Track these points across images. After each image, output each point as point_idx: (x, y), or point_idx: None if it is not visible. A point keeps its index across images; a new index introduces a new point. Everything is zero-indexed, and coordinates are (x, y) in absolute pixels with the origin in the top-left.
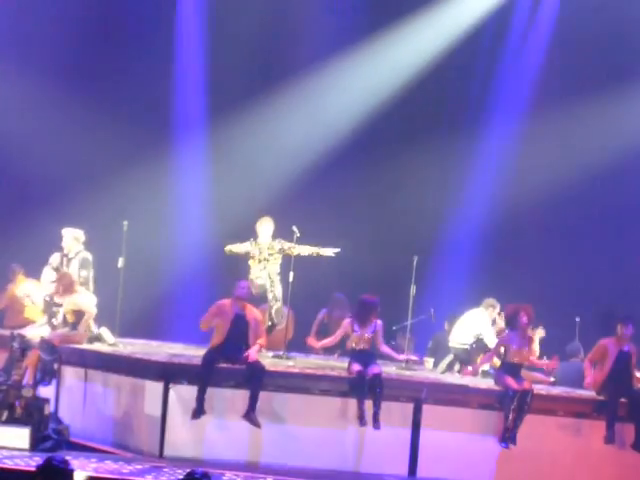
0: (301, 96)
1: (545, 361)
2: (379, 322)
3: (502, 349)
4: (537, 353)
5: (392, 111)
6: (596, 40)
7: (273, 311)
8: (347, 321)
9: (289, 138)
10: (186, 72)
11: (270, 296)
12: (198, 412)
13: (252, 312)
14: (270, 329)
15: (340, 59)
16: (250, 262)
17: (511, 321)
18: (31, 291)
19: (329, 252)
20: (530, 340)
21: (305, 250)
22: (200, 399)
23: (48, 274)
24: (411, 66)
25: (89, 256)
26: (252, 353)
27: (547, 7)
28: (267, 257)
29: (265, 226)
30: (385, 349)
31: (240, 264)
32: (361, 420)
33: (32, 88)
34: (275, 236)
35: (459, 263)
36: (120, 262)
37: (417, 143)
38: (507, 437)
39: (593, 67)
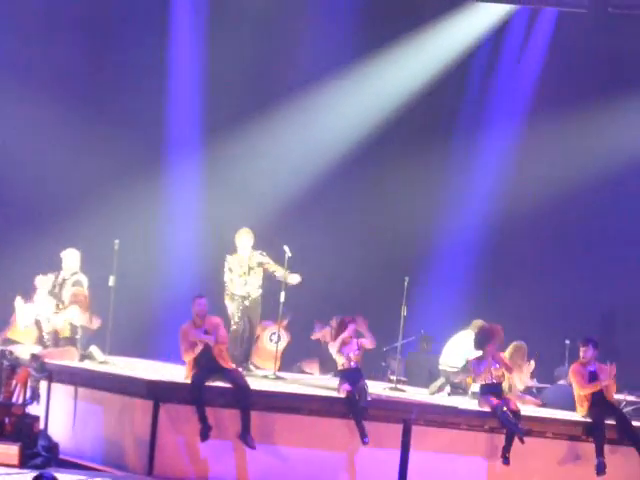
0: (295, 116)
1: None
2: (359, 341)
3: (471, 377)
4: (528, 383)
5: (384, 129)
6: (592, 53)
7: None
8: (332, 345)
9: (282, 158)
10: (180, 90)
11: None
12: (205, 432)
13: (210, 321)
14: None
15: (335, 78)
16: (228, 278)
17: (479, 341)
18: (22, 310)
19: (294, 280)
20: (501, 361)
21: (278, 271)
22: (202, 418)
23: (40, 293)
24: (406, 85)
25: (83, 278)
26: (223, 360)
27: (543, 22)
28: (246, 271)
29: (244, 238)
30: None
31: None
32: (363, 438)
33: (26, 108)
34: (255, 249)
35: (451, 284)
36: (111, 280)
37: (408, 163)
38: (509, 457)
39: (588, 85)
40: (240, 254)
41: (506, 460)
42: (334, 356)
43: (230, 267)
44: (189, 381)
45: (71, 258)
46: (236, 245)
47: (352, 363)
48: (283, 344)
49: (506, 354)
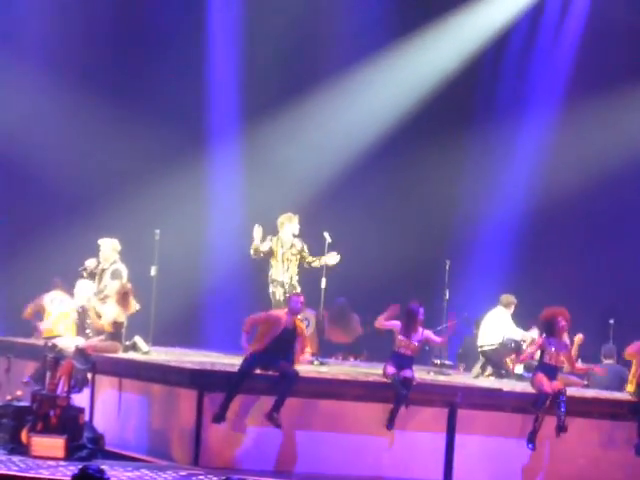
0: (332, 100)
1: (586, 366)
2: (425, 332)
3: (539, 352)
4: (576, 357)
5: (423, 112)
6: (628, 36)
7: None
8: (397, 323)
9: (321, 142)
10: (218, 78)
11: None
12: (219, 417)
13: (300, 326)
14: None
15: (370, 62)
16: (272, 261)
17: (548, 325)
18: (63, 301)
19: (332, 260)
20: (567, 346)
21: (315, 263)
22: (225, 405)
23: (82, 284)
24: (441, 67)
25: (123, 268)
26: (300, 359)
27: (578, 6)
28: (289, 257)
29: (289, 223)
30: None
31: None
32: (389, 423)
33: (66, 99)
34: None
35: (492, 266)
36: (153, 270)
37: (447, 146)
38: (533, 438)
39: (625, 63)
40: (282, 238)
41: (533, 446)
42: (396, 335)
43: (272, 249)
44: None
45: (107, 247)
46: (279, 228)
47: (408, 350)
48: (311, 329)
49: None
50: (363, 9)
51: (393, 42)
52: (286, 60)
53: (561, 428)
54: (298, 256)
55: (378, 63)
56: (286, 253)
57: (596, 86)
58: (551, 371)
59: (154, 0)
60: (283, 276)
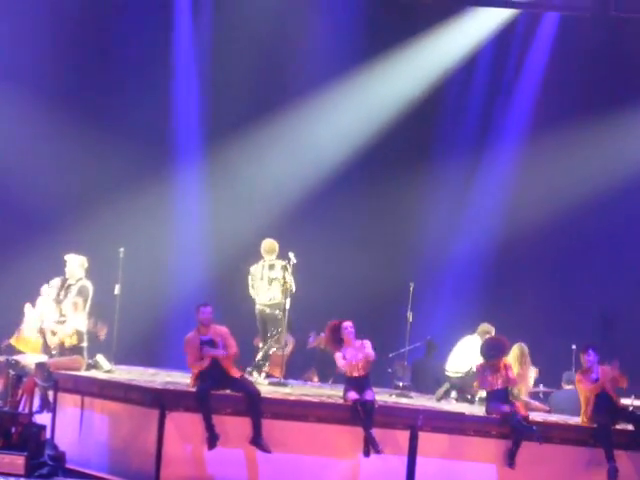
0: (298, 121)
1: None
2: (366, 341)
3: (476, 383)
4: (529, 389)
5: (388, 138)
6: (593, 65)
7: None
8: (337, 355)
9: (286, 164)
10: (184, 97)
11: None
12: (212, 440)
13: (216, 330)
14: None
15: (337, 86)
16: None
17: (489, 356)
18: (27, 319)
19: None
20: (505, 366)
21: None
22: (209, 427)
23: (44, 301)
24: (409, 90)
25: (89, 285)
26: (232, 370)
27: (544, 32)
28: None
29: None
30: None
31: (236, 291)
32: (366, 450)
33: (29, 118)
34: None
35: (456, 289)
36: (117, 289)
37: (414, 169)
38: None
39: (592, 89)
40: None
41: (512, 464)
42: (338, 363)
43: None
44: (194, 390)
45: (74, 263)
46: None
47: (357, 370)
48: (289, 349)
49: (511, 356)
50: (331, 31)
51: (360, 64)
52: (252, 80)
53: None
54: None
55: (345, 85)
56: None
57: (563, 113)
58: (500, 395)
59: (120, 20)
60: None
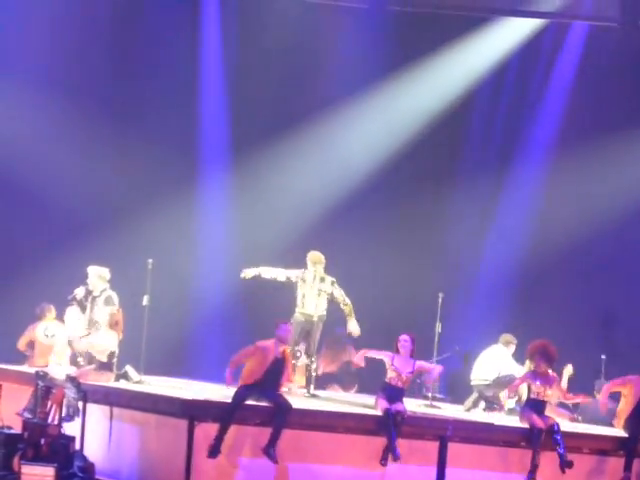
0: (324, 133)
1: (577, 396)
2: (418, 363)
3: (525, 386)
4: (565, 389)
5: (416, 149)
6: (622, 76)
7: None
8: (389, 354)
9: (313, 174)
10: (210, 109)
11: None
12: (215, 450)
13: (288, 355)
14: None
15: (363, 97)
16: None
17: (534, 358)
18: (55, 331)
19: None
20: (554, 379)
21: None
22: (220, 437)
23: (72, 312)
24: (435, 104)
25: (114, 295)
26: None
27: (572, 43)
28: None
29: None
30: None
31: (264, 303)
32: (384, 459)
33: (58, 125)
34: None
35: (484, 301)
36: (145, 300)
37: (442, 181)
38: (534, 474)
39: (621, 100)
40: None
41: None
42: (387, 365)
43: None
44: (229, 398)
45: (94, 275)
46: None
47: (399, 382)
48: (303, 361)
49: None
50: (357, 43)
51: (387, 75)
52: (279, 91)
53: (566, 464)
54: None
55: (372, 96)
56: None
57: (590, 130)
58: (537, 406)
59: (148, 29)
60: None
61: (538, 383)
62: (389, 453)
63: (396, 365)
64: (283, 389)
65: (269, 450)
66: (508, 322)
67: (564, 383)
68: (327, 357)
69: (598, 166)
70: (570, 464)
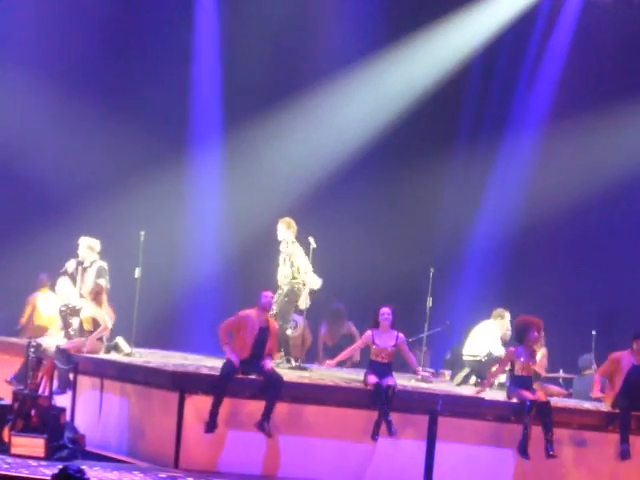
0: (317, 106)
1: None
2: (401, 335)
3: (509, 363)
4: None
5: (408, 123)
6: (615, 53)
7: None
8: (368, 333)
9: (305, 148)
10: (202, 82)
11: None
12: (211, 426)
13: (273, 324)
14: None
15: (356, 71)
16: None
17: (520, 335)
18: (49, 301)
19: (314, 284)
20: (534, 353)
21: (302, 266)
22: (214, 412)
23: (64, 284)
24: (428, 77)
25: (105, 265)
26: (267, 363)
27: (567, 16)
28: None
29: (278, 226)
30: (412, 360)
31: (255, 274)
32: (375, 434)
33: (49, 99)
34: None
35: (475, 275)
36: (137, 272)
37: (434, 155)
38: (526, 449)
39: (612, 79)
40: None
41: (526, 454)
42: (365, 342)
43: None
44: (218, 372)
45: (83, 245)
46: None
47: (384, 358)
48: (299, 330)
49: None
50: (349, 18)
51: (379, 50)
52: (271, 63)
53: (549, 456)
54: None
55: (365, 70)
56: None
57: (583, 102)
58: (524, 382)
59: (141, 4)
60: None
61: (522, 359)
62: (380, 428)
63: (377, 342)
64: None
65: (263, 424)
66: (500, 296)
67: (542, 363)
68: (327, 332)
69: (592, 140)
70: (553, 457)
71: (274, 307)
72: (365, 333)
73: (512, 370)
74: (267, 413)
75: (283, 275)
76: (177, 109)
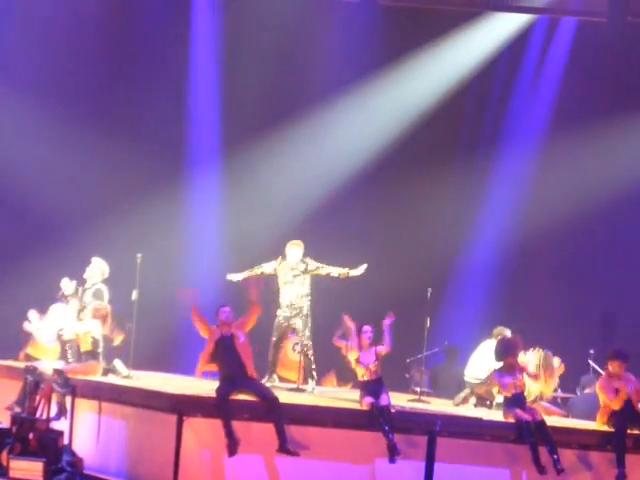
0: (316, 127)
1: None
2: (378, 347)
3: (496, 388)
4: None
5: (406, 143)
6: (610, 70)
7: (300, 341)
8: (356, 349)
9: (303, 169)
10: (199, 105)
11: (298, 324)
12: (233, 446)
13: (235, 331)
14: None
15: (355, 91)
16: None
17: (498, 356)
18: (40, 327)
19: (359, 271)
20: (521, 368)
21: (335, 271)
22: (229, 433)
23: (58, 309)
24: (426, 97)
25: (104, 289)
26: (251, 370)
27: (562, 36)
28: (291, 279)
29: (293, 249)
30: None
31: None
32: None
33: (47, 122)
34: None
35: (474, 294)
36: (134, 294)
37: (431, 174)
38: (543, 466)
39: (608, 94)
40: (286, 263)
41: (542, 470)
42: (353, 366)
43: (276, 271)
44: (214, 394)
45: (96, 266)
46: (286, 255)
47: (372, 374)
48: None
49: (534, 365)
50: (347, 38)
51: (377, 70)
52: (269, 85)
53: (557, 471)
54: (305, 275)
55: (364, 90)
56: (287, 275)
57: (579, 118)
58: (518, 400)
59: (136, 25)
60: (286, 296)
61: (506, 381)
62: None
63: (362, 361)
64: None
65: (285, 447)
66: (498, 315)
67: (555, 382)
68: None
69: (586, 157)
70: (561, 471)
71: (304, 330)
72: (350, 358)
73: (501, 393)
74: (281, 436)
75: (300, 295)
76: (174, 131)
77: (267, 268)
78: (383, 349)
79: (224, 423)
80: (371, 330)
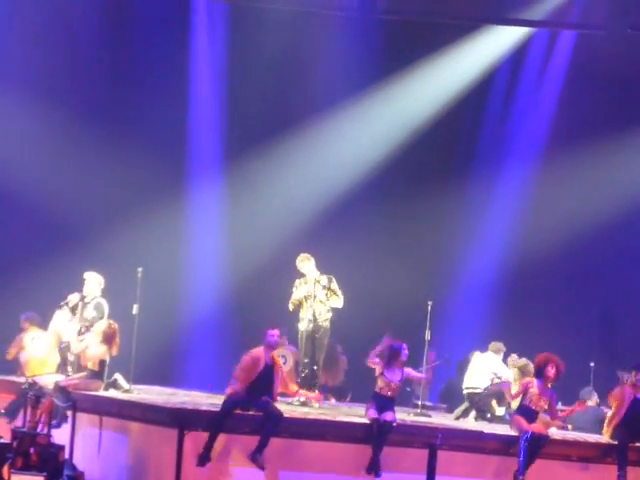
0: (316, 138)
1: (567, 408)
2: (405, 369)
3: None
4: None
5: (406, 157)
6: (610, 83)
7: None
8: (378, 362)
9: (303, 183)
10: (201, 118)
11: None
12: (203, 458)
13: (278, 361)
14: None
15: (356, 103)
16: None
17: (539, 370)
18: (37, 340)
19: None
20: (554, 396)
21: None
22: (208, 446)
23: (60, 316)
24: (425, 110)
25: (104, 302)
26: (268, 399)
27: (561, 49)
28: (314, 292)
29: (305, 262)
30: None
31: (255, 310)
32: (369, 469)
33: (48, 133)
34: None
35: (473, 308)
36: (135, 309)
37: (431, 189)
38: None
39: (606, 112)
40: (307, 278)
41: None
42: (377, 374)
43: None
44: (219, 407)
45: (94, 281)
46: (300, 271)
47: (389, 391)
48: (288, 367)
49: (516, 372)
50: (347, 51)
51: (377, 83)
52: (270, 96)
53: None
54: (323, 291)
55: (362, 104)
56: (311, 289)
57: (578, 135)
58: (529, 414)
59: (138, 35)
60: (305, 314)
61: (537, 391)
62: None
63: (387, 375)
64: (299, 399)
65: (256, 456)
66: (497, 329)
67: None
68: (324, 371)
69: (585, 171)
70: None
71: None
72: (377, 370)
73: (523, 399)
74: (260, 446)
75: (318, 312)
76: (175, 145)
77: (300, 294)
78: (416, 376)
79: (211, 435)
80: (406, 348)
